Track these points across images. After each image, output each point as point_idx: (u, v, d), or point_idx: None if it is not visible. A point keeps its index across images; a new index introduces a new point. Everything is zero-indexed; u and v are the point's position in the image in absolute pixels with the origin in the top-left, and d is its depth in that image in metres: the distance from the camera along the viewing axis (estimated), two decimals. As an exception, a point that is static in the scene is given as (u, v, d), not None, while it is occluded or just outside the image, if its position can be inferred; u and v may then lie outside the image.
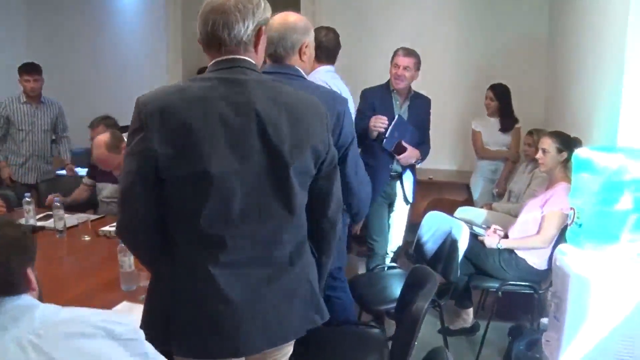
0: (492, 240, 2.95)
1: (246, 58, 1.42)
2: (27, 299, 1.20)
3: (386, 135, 3.15)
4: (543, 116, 4.20)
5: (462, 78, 4.74)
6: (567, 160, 2.64)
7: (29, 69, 4.20)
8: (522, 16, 4.56)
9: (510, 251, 2.91)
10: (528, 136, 3.68)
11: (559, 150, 2.78)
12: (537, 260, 2.84)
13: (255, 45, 1.44)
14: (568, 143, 2.75)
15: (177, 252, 1.41)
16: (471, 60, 4.74)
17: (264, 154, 1.38)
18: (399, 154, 3.21)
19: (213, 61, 1.43)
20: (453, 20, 4.76)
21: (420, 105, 3.36)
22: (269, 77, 1.52)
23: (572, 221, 2.07)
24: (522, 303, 3.12)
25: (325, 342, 2.28)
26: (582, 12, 3.16)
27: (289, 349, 1.67)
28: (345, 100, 2.07)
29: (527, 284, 2.84)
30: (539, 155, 2.86)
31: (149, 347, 1.23)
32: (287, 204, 1.44)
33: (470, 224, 3.13)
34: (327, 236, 1.62)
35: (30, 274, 1.21)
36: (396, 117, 3.19)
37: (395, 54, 3.26)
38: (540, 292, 2.84)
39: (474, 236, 3.02)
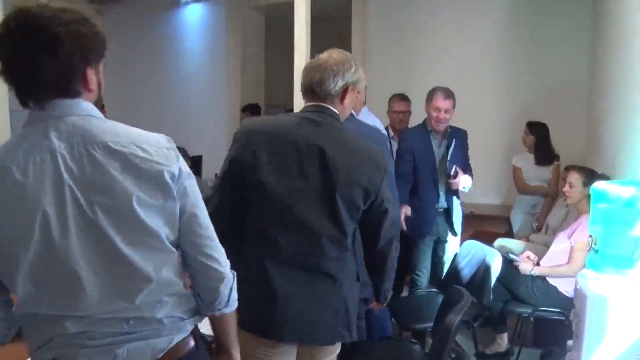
0: (526, 266, 3.11)
1: (329, 107, 1.78)
2: (81, 104, 1.15)
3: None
4: (583, 154, 4.34)
5: (504, 116, 4.94)
6: (593, 193, 2.83)
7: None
8: (564, 59, 4.74)
9: (543, 278, 3.07)
10: (564, 172, 3.85)
11: (585, 184, 2.96)
12: (568, 288, 2.98)
13: (342, 99, 1.80)
14: (593, 177, 2.92)
15: (243, 244, 1.76)
16: (514, 99, 4.94)
17: (320, 179, 1.71)
18: (454, 178, 3.30)
19: (306, 104, 1.81)
20: (498, 59, 4.98)
21: (459, 140, 3.42)
22: (342, 124, 1.82)
23: (590, 248, 2.26)
24: (556, 331, 3.25)
25: (368, 354, 2.51)
26: (616, 57, 3.36)
27: (330, 350, 1.90)
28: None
29: (557, 310, 2.99)
30: (566, 188, 3.06)
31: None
32: (334, 224, 1.74)
33: (505, 252, 3.32)
34: (378, 264, 1.94)
35: (91, 74, 1.15)
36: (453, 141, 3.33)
37: (433, 96, 3.27)
38: (570, 318, 2.98)
39: (509, 263, 3.20)
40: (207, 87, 6.59)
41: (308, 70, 1.80)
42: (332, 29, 6.09)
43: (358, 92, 2.29)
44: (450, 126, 3.43)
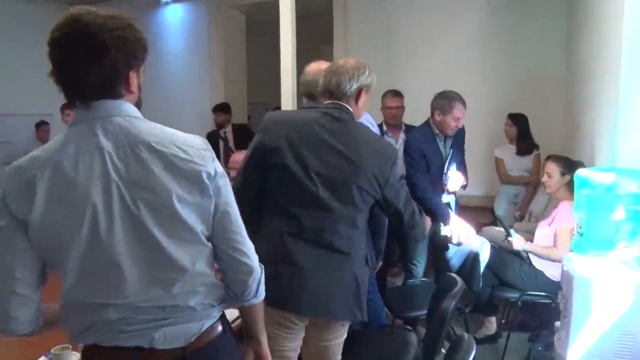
0: (519, 241, 3.18)
1: (343, 104, 1.99)
2: (124, 105, 1.22)
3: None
4: (561, 143, 4.50)
5: (485, 109, 5.06)
6: (571, 182, 2.95)
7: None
8: (541, 53, 4.89)
9: (530, 264, 3.20)
10: (545, 162, 3.98)
11: (562, 174, 3.10)
12: (554, 272, 3.12)
13: (356, 100, 2.01)
14: (570, 166, 3.06)
15: (265, 220, 1.95)
16: (494, 93, 5.07)
17: (337, 166, 1.90)
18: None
19: (325, 102, 2.02)
20: (478, 55, 5.12)
21: (458, 136, 3.48)
22: (351, 118, 2.01)
23: (576, 232, 2.38)
24: (543, 314, 3.38)
25: (366, 343, 2.61)
26: (590, 49, 3.51)
27: (339, 333, 2.04)
28: None
29: (544, 294, 3.12)
30: (545, 178, 3.19)
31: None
32: (348, 206, 1.93)
33: (494, 239, 3.44)
34: (409, 233, 2.17)
35: (133, 77, 1.23)
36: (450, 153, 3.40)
37: (453, 107, 3.23)
38: (557, 301, 3.11)
39: (497, 250, 3.32)
40: (189, 87, 6.61)
41: (326, 74, 2.00)
42: (314, 27, 6.16)
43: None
44: None
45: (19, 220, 1.15)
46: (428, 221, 2.29)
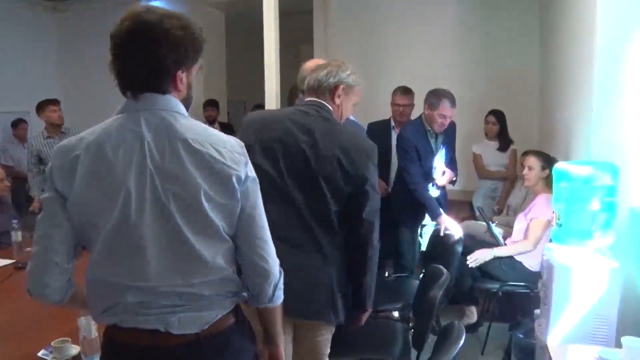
0: (484, 254, 3.34)
1: (321, 101, 2.01)
2: (170, 101, 1.29)
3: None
4: (537, 139, 4.65)
5: (463, 107, 5.09)
6: (549, 176, 3.09)
7: (53, 101, 4.56)
8: (516, 52, 5.04)
9: (510, 256, 3.33)
10: (523, 157, 4.12)
11: (543, 168, 3.25)
12: (532, 263, 3.25)
13: (332, 96, 2.01)
14: (550, 161, 3.20)
15: None
16: (471, 91, 5.18)
17: (305, 161, 1.91)
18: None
19: (305, 99, 2.06)
20: (455, 54, 5.24)
21: (449, 132, 3.54)
22: (332, 117, 2.01)
23: (555, 223, 2.50)
24: (522, 303, 3.51)
25: (355, 334, 2.63)
26: (563, 47, 3.65)
27: (323, 330, 2.04)
28: None
29: (523, 284, 3.25)
30: (525, 171, 3.33)
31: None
32: (319, 203, 1.92)
33: (475, 232, 3.58)
34: (358, 252, 2.00)
35: (182, 76, 1.29)
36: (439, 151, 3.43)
37: (440, 104, 3.30)
38: (535, 291, 3.24)
39: (479, 243, 3.46)
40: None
41: (311, 72, 2.04)
42: (294, 25, 6.21)
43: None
44: None
45: (60, 194, 1.24)
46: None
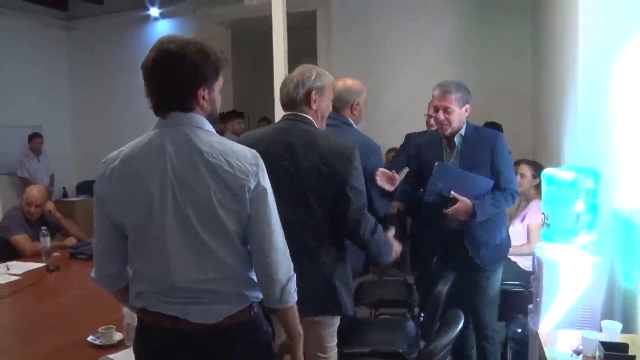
0: None
1: (297, 113, 2.10)
2: (192, 117, 1.45)
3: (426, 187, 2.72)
4: (530, 148, 4.91)
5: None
6: (540, 183, 3.32)
7: None
8: (509, 64, 5.34)
9: (506, 257, 3.56)
10: (516, 166, 4.37)
11: (534, 176, 3.52)
12: (526, 263, 3.49)
13: (308, 104, 2.08)
14: (540, 169, 3.46)
15: None
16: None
17: (287, 171, 2.00)
18: (446, 207, 2.69)
19: (283, 114, 2.16)
20: (451, 67, 5.46)
21: (480, 151, 2.79)
22: (312, 125, 2.09)
23: (544, 223, 2.75)
24: (517, 301, 3.72)
25: (365, 330, 2.86)
26: (554, 59, 3.91)
27: (327, 324, 2.13)
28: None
29: (518, 283, 3.49)
30: (518, 178, 3.58)
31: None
32: (305, 209, 2.00)
33: None
34: (362, 247, 2.14)
35: (203, 94, 1.44)
36: (435, 164, 2.71)
37: (433, 94, 3.02)
38: (530, 289, 3.47)
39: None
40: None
41: (280, 88, 2.15)
42: (297, 40, 6.46)
43: (357, 105, 2.62)
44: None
45: (101, 198, 1.50)
46: (397, 245, 2.32)
